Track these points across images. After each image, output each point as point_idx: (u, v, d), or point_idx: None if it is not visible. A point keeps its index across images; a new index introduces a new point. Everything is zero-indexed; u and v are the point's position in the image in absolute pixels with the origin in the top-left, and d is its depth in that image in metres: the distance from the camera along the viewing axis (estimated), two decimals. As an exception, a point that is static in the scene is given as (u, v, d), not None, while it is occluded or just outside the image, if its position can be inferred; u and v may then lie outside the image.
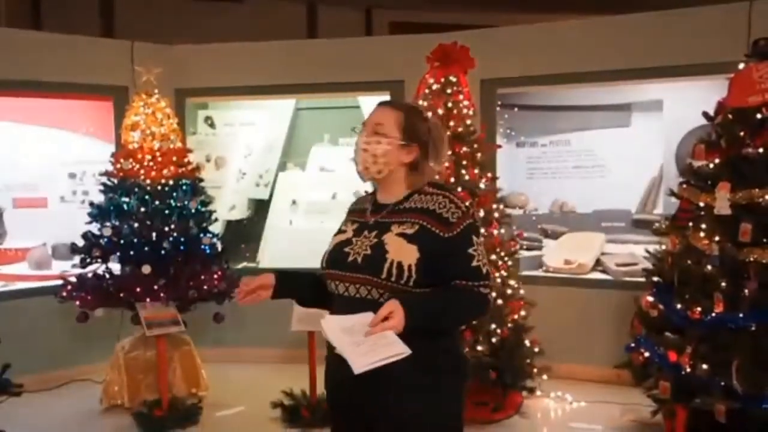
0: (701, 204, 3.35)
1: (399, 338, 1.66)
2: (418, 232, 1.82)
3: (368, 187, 2.08)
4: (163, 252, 4.11)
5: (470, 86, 4.30)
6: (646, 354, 3.53)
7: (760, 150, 3.19)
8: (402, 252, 1.79)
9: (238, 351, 5.31)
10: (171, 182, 4.28)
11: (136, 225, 4.12)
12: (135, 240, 4.09)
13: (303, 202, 6.00)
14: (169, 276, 4.17)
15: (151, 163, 4.25)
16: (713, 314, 3.15)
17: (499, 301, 3.99)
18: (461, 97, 4.15)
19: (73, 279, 4.20)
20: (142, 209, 4.18)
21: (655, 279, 3.62)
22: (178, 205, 4.27)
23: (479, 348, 3.79)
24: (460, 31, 5.03)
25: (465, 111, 4.13)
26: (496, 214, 4.16)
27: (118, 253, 4.16)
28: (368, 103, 5.79)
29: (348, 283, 1.85)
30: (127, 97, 4.83)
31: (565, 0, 6.71)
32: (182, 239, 4.16)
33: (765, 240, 3.12)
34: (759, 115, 3.24)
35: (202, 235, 4.31)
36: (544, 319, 4.33)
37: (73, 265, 4.41)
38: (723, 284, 3.15)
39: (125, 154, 4.29)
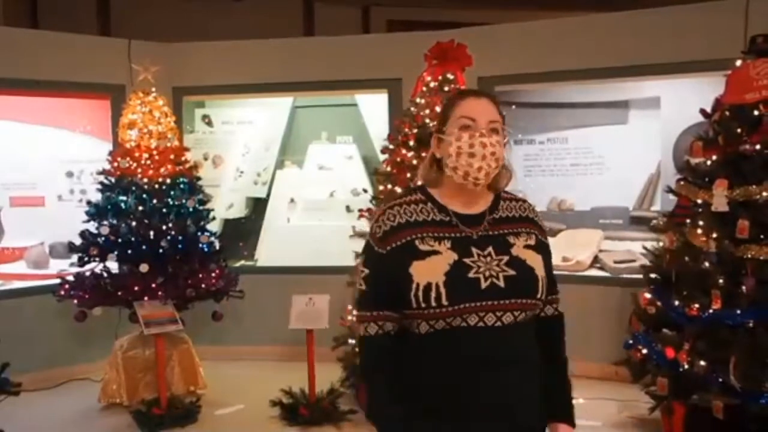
0: (699, 201, 3.36)
1: None
2: (537, 242, 1.69)
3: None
4: (161, 250, 4.11)
5: (467, 84, 4.30)
6: (644, 351, 3.54)
7: (758, 147, 3.20)
8: (540, 266, 1.65)
9: (237, 349, 5.31)
10: (168, 181, 4.28)
11: (133, 223, 4.11)
12: (133, 238, 4.09)
13: (301, 201, 6.00)
14: (167, 274, 4.17)
15: (148, 162, 4.25)
16: (711, 311, 3.16)
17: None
18: (459, 94, 4.14)
19: (70, 278, 4.19)
20: (140, 208, 4.17)
21: (653, 276, 3.63)
22: (176, 203, 4.27)
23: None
24: (457, 28, 5.04)
25: (463, 108, 4.12)
26: (494, 212, 4.15)
27: (115, 252, 4.16)
28: (366, 101, 5.79)
29: (484, 312, 1.56)
30: (125, 95, 4.82)
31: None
32: (180, 238, 4.16)
33: (762, 237, 3.12)
34: (756, 112, 3.25)
35: (199, 233, 4.31)
36: (542, 317, 4.33)
37: (71, 264, 4.41)
38: (720, 281, 3.16)
39: (123, 152, 4.28)
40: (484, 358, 1.57)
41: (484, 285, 1.56)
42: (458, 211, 1.66)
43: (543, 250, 1.70)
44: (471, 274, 1.57)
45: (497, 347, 1.58)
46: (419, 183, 1.76)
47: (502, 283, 1.57)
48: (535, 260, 1.65)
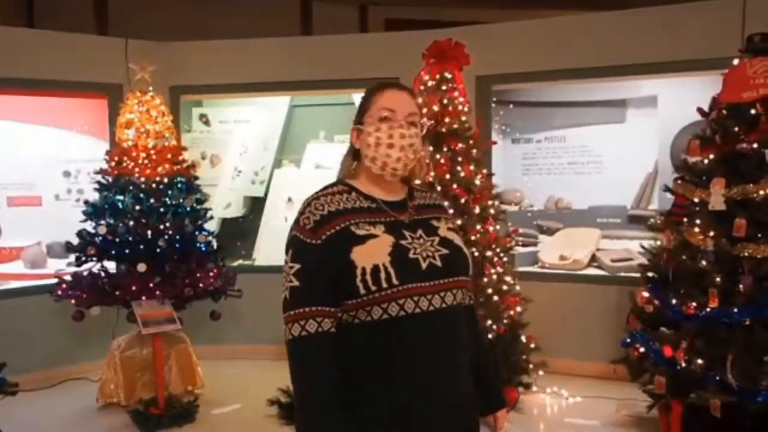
0: (696, 200, 3.37)
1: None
2: (454, 226, 1.75)
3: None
4: (158, 250, 4.10)
5: (465, 83, 4.30)
6: (642, 349, 3.54)
7: (755, 145, 3.20)
8: (464, 246, 1.69)
9: (234, 348, 5.31)
10: (166, 180, 4.27)
11: (131, 223, 4.10)
12: (130, 238, 4.08)
13: (299, 200, 5.98)
14: (164, 274, 4.16)
15: (145, 161, 4.24)
16: (708, 309, 3.17)
17: (495, 298, 4.00)
18: (456, 93, 4.15)
19: (68, 277, 4.18)
20: (137, 207, 4.16)
21: (651, 274, 3.63)
22: (174, 203, 4.26)
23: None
24: (455, 27, 5.03)
25: (460, 107, 4.14)
26: (492, 211, 4.16)
27: (113, 252, 4.15)
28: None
29: (431, 294, 1.55)
30: (122, 94, 4.82)
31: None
32: (178, 237, 4.15)
33: (759, 235, 3.13)
34: (753, 111, 3.25)
35: (197, 232, 4.30)
36: (539, 315, 4.34)
37: (69, 264, 4.40)
38: (718, 279, 3.16)
39: (120, 152, 4.28)
40: (439, 344, 1.56)
41: (424, 265, 1.57)
42: (383, 198, 1.67)
43: (459, 234, 1.75)
44: (411, 255, 1.57)
45: (449, 332, 1.59)
46: (339, 176, 1.74)
47: (439, 263, 1.59)
48: (459, 241, 1.69)
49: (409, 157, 1.64)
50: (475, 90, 4.87)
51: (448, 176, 4.00)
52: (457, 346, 1.60)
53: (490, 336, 3.90)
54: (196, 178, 4.52)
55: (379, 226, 1.59)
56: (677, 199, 3.56)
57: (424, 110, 4.07)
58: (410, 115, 1.66)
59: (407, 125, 1.64)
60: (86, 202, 4.26)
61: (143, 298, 4.07)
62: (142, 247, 4.08)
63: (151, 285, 4.07)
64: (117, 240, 4.09)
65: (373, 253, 1.54)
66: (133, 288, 4.05)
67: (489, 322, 3.91)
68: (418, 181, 1.81)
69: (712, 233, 3.22)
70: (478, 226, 4.02)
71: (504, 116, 5.49)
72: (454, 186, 3.97)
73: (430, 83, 4.15)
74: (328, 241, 1.56)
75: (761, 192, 3.13)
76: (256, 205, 6.20)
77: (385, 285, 1.51)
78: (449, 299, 1.58)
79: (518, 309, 4.17)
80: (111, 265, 4.31)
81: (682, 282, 3.35)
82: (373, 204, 1.64)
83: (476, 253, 3.94)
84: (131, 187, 4.19)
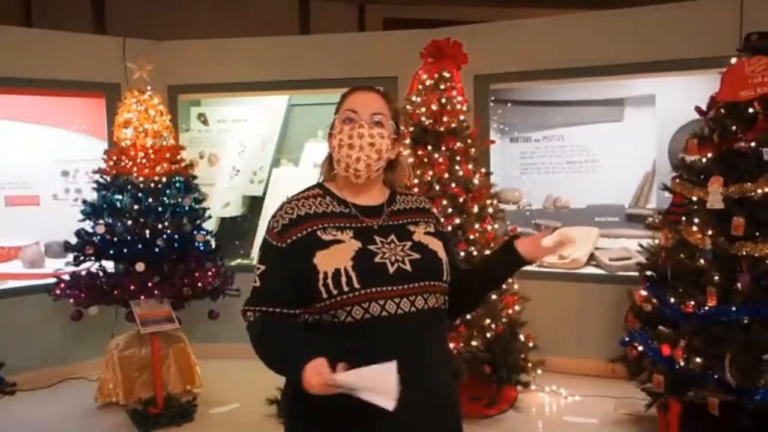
0: (694, 198, 3.37)
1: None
2: (436, 230, 1.73)
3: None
4: (156, 249, 4.10)
5: (463, 82, 4.30)
6: (640, 348, 3.55)
7: (752, 144, 3.20)
8: (441, 251, 1.68)
9: (233, 347, 5.26)
10: (164, 179, 4.27)
11: (129, 222, 4.10)
12: (128, 237, 4.08)
13: (297, 199, 5.98)
14: (163, 273, 4.16)
15: (144, 161, 4.24)
16: (706, 308, 3.17)
17: (494, 296, 4.00)
18: (454, 92, 4.15)
19: (66, 277, 4.18)
20: (136, 207, 4.16)
21: (649, 273, 3.64)
22: (172, 202, 4.26)
23: (474, 343, 3.80)
24: (453, 26, 5.04)
25: (458, 106, 4.14)
26: (490, 210, 4.17)
27: (111, 251, 4.15)
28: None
29: (398, 298, 1.56)
30: (120, 93, 4.81)
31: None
32: (176, 236, 4.15)
33: (757, 234, 3.13)
34: (751, 110, 3.26)
35: (196, 232, 4.30)
36: (538, 314, 4.35)
37: (67, 263, 4.40)
38: (716, 278, 3.16)
39: (118, 151, 4.27)
40: (407, 347, 1.54)
41: (392, 270, 1.57)
42: (358, 203, 1.67)
43: (443, 237, 1.74)
44: (377, 260, 1.57)
45: (418, 334, 1.58)
46: (318, 180, 1.78)
47: (408, 267, 1.59)
48: (436, 245, 1.68)
49: (371, 157, 1.62)
50: (473, 89, 4.87)
51: (446, 175, 4.00)
52: (427, 349, 1.60)
53: (488, 335, 3.90)
54: (195, 177, 4.52)
55: (348, 231, 1.61)
56: (675, 198, 3.57)
57: (423, 109, 4.07)
58: (374, 114, 1.65)
59: (369, 125, 1.64)
60: (84, 202, 4.25)
61: (142, 297, 4.06)
62: (140, 246, 4.08)
63: (149, 284, 4.07)
64: (115, 239, 4.09)
65: (335, 257, 1.56)
66: (132, 287, 4.05)
67: (488, 321, 3.91)
68: (416, 189, 1.80)
69: (710, 232, 3.22)
70: (477, 225, 4.02)
71: (502, 115, 5.49)
72: (453, 185, 3.97)
73: (428, 82, 4.15)
74: (294, 244, 1.59)
75: (759, 190, 3.13)
76: (254, 205, 6.19)
77: (346, 289, 1.53)
78: (419, 303, 1.58)
79: (517, 308, 4.17)
80: (109, 265, 4.31)
81: (681, 281, 3.35)
82: (345, 209, 1.65)
83: (474, 252, 3.94)
84: (129, 187, 4.19)
